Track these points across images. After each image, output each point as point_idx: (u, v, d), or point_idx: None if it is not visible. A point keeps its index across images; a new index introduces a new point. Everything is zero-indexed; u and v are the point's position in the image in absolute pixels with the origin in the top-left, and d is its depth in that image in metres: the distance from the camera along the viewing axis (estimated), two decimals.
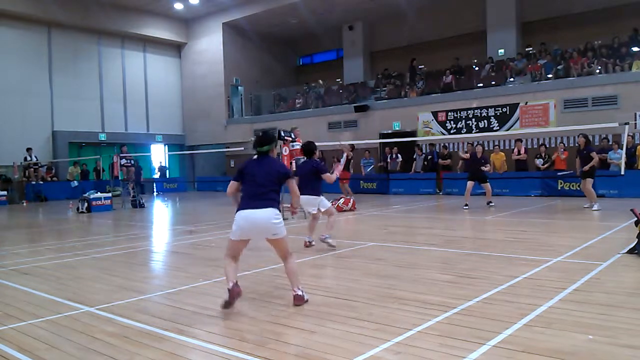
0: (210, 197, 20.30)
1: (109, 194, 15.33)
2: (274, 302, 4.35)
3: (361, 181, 19.13)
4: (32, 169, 20.19)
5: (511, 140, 16.85)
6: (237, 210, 4.19)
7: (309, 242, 7.24)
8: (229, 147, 23.27)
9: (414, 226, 9.95)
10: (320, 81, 24.59)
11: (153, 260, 7.13)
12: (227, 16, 24.34)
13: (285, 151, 11.07)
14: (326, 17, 23.35)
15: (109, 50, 24.35)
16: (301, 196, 6.97)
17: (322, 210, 7.04)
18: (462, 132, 17.95)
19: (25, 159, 20.07)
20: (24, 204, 18.91)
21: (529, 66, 17.79)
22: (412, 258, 6.29)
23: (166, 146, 26.96)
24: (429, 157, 17.97)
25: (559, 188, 14.66)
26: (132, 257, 7.08)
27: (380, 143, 19.67)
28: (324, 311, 4.01)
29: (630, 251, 5.91)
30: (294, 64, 29.14)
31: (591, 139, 12.75)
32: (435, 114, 18.82)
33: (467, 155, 12.99)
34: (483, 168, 12.41)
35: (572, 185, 14.13)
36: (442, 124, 18.64)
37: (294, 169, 11.31)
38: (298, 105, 24.09)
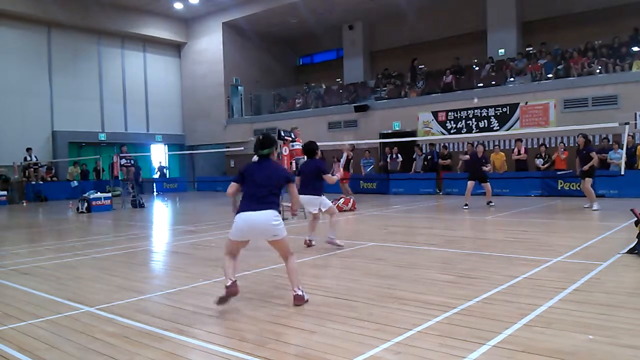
0: (210, 197, 20.30)
1: (109, 194, 15.33)
2: (274, 302, 4.35)
3: (361, 181, 19.12)
4: (32, 169, 20.19)
5: (511, 140, 16.85)
6: (236, 212, 4.22)
7: (309, 240, 7.25)
8: (228, 147, 23.28)
9: (414, 226, 9.94)
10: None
11: (153, 260, 7.12)
12: (227, 16, 24.34)
13: (285, 151, 11.07)
14: (326, 16, 23.35)
15: (108, 50, 24.34)
16: (303, 196, 7.01)
17: (324, 210, 7.04)
18: (462, 132, 17.95)
19: (25, 159, 20.06)
20: (24, 204, 18.91)
21: (529, 66, 17.78)
22: (412, 258, 6.28)
23: (166, 146, 26.95)
24: (429, 157, 17.96)
25: (559, 188, 14.66)
26: (132, 257, 7.08)
27: (380, 143, 19.67)
28: (324, 311, 4.01)
29: (631, 251, 5.91)
30: (293, 63, 29.13)
31: (591, 139, 12.75)
32: (435, 114, 18.81)
33: (467, 157, 12.96)
34: (484, 168, 12.41)
35: (572, 185, 14.12)
36: (442, 124, 18.64)
37: (294, 169, 11.35)
38: (298, 105, 24.08)
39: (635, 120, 14.42)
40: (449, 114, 18.46)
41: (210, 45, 25.44)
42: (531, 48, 18.89)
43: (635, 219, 6.09)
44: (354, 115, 20.98)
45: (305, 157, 7.28)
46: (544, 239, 7.55)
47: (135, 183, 16.71)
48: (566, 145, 15.21)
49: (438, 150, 18.12)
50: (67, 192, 19.93)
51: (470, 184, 12.33)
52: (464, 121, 18.11)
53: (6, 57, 20.64)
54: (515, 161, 15.90)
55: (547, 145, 15.87)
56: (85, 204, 14.22)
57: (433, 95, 19.39)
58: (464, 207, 11.95)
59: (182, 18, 25.81)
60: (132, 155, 17.48)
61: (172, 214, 15.25)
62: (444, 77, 19.49)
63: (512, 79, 18.01)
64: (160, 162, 26.21)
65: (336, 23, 24.31)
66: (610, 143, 14.60)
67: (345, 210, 12.42)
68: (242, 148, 19.83)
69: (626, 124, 10.45)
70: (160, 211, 15.76)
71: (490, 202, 12.29)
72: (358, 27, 24.36)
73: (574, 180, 13.77)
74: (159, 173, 26.03)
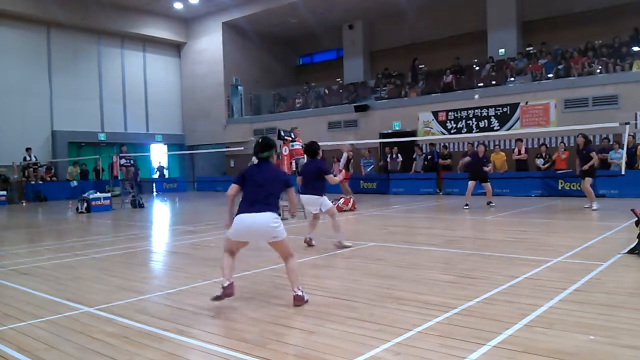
0: (210, 197, 20.29)
1: (109, 194, 15.31)
2: (274, 302, 4.34)
3: (361, 181, 19.11)
4: (31, 169, 20.18)
5: (512, 140, 16.84)
6: (236, 214, 4.25)
7: (309, 238, 7.25)
8: (228, 147, 23.27)
9: (414, 226, 9.94)
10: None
11: (152, 261, 7.12)
12: (227, 16, 24.33)
13: (285, 151, 11.07)
14: (326, 16, 23.34)
15: (108, 50, 24.33)
16: (304, 196, 7.03)
17: (324, 210, 7.04)
18: (463, 132, 17.94)
19: (25, 158, 20.06)
20: (24, 204, 18.90)
21: (530, 66, 17.77)
22: (412, 258, 6.28)
23: (166, 146, 26.94)
24: (429, 157, 17.96)
25: (560, 188, 14.65)
26: (132, 257, 7.07)
27: (380, 143, 19.66)
28: (324, 311, 4.00)
29: (631, 251, 5.90)
30: (293, 63, 29.12)
31: (592, 138, 12.74)
32: (435, 114, 18.80)
33: (468, 160, 12.81)
34: (484, 168, 12.39)
35: (573, 185, 14.11)
36: (443, 124, 18.63)
37: (294, 169, 11.35)
38: (298, 105, 24.08)
39: (636, 120, 14.41)
40: (449, 113, 18.45)
41: (210, 45, 25.43)
42: (531, 48, 18.88)
43: (636, 219, 6.09)
44: (354, 115, 20.97)
45: (307, 157, 7.28)
46: (545, 239, 7.54)
47: (134, 183, 16.70)
48: (567, 145, 15.20)
49: (438, 150, 18.11)
50: (67, 192, 19.92)
51: (471, 184, 12.32)
52: (464, 121, 18.10)
53: (6, 57, 20.63)
54: (515, 161, 15.89)
55: (548, 145, 15.86)
56: (85, 204, 14.21)
57: (433, 95, 19.38)
58: (465, 207, 11.94)
59: (182, 18, 25.80)
60: (132, 155, 17.47)
61: (172, 214, 15.24)
62: (444, 76, 19.48)
63: (512, 79, 18.00)
64: (159, 162, 26.21)
65: (336, 23, 24.31)
66: (611, 143, 14.60)
67: (345, 210, 12.41)
68: (242, 148, 19.83)
69: (626, 123, 10.44)
70: (160, 211, 15.75)
71: (491, 202, 12.28)
72: (358, 26, 24.35)
73: (574, 180, 13.76)
74: (158, 173, 26.03)
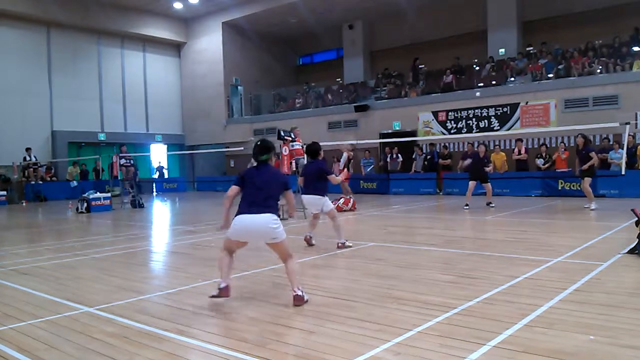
0: (210, 197, 20.28)
1: (108, 194, 15.31)
2: (273, 302, 4.34)
3: (361, 181, 19.11)
4: (31, 169, 20.18)
5: (512, 140, 16.84)
6: (236, 215, 4.26)
7: (309, 237, 7.25)
8: (228, 147, 23.28)
9: (414, 226, 9.94)
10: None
11: (152, 261, 7.12)
12: (227, 15, 24.34)
13: (285, 151, 11.06)
14: (326, 16, 23.34)
15: (108, 50, 24.33)
16: (306, 196, 7.04)
17: (325, 211, 7.05)
18: (463, 132, 17.94)
19: (25, 158, 20.06)
20: (23, 204, 18.90)
21: (530, 66, 17.77)
22: (412, 258, 6.27)
23: (166, 146, 26.94)
24: (429, 157, 17.95)
25: (560, 188, 14.65)
26: (132, 257, 7.07)
27: (380, 143, 19.66)
28: (324, 311, 4.00)
29: (631, 251, 5.90)
30: (293, 63, 29.12)
31: (592, 138, 12.74)
32: (435, 114, 18.80)
33: (468, 161, 12.78)
34: (485, 168, 12.39)
35: (573, 185, 14.11)
36: (443, 124, 18.63)
37: (294, 169, 11.35)
38: (298, 105, 24.07)
39: (636, 120, 14.40)
40: (449, 113, 18.45)
41: (210, 45, 25.43)
42: (532, 48, 18.88)
43: (636, 219, 6.08)
44: (354, 115, 20.97)
45: (307, 157, 7.29)
46: (545, 239, 7.54)
47: (134, 183, 16.69)
48: (567, 145, 15.20)
49: (438, 150, 18.11)
50: (67, 192, 19.91)
51: (472, 184, 12.31)
52: (464, 121, 18.10)
53: (6, 57, 20.63)
54: (515, 161, 15.89)
55: (548, 145, 15.86)
56: (85, 204, 14.21)
57: (433, 95, 19.38)
58: (465, 207, 11.94)
59: (181, 18, 25.80)
60: (132, 155, 17.47)
61: (172, 214, 15.24)
62: (444, 76, 19.48)
63: (512, 79, 18.00)
64: (159, 162, 26.21)
65: (336, 23, 24.31)
66: (611, 143, 14.60)
67: (345, 210, 12.41)
68: (242, 148, 19.84)
69: (627, 123, 10.45)
70: (160, 211, 15.75)
71: (490, 202, 12.27)
72: (358, 26, 24.35)
73: (574, 180, 13.76)
74: (157, 173, 26.02)
